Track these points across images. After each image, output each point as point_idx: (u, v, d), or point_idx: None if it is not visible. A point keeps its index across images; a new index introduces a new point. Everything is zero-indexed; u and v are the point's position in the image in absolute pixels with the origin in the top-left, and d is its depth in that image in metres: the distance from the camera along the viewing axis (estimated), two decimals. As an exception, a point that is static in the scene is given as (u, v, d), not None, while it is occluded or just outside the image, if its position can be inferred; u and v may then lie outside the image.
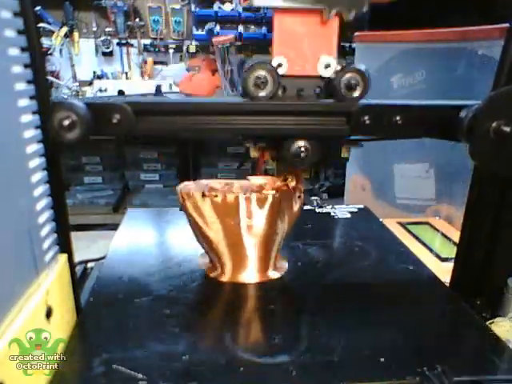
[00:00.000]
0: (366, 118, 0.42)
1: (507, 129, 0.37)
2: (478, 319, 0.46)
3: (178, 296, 0.48)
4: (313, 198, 0.79)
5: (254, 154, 0.48)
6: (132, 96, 1.99)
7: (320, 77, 0.44)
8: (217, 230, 0.50)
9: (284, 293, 0.52)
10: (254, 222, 0.50)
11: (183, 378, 0.35)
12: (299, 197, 0.53)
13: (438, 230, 0.91)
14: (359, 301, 0.49)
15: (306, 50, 0.43)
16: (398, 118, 0.43)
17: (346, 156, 0.50)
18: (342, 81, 0.42)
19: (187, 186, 0.52)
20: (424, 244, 0.84)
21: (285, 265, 0.56)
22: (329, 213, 0.75)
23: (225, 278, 0.52)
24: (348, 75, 0.42)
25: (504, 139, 0.38)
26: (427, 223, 0.96)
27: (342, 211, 0.75)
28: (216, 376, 0.36)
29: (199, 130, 0.44)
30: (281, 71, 0.43)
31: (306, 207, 0.75)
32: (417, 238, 0.87)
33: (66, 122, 0.37)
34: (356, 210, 0.77)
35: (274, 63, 0.43)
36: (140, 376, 0.35)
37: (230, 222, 0.50)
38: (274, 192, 0.49)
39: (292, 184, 0.51)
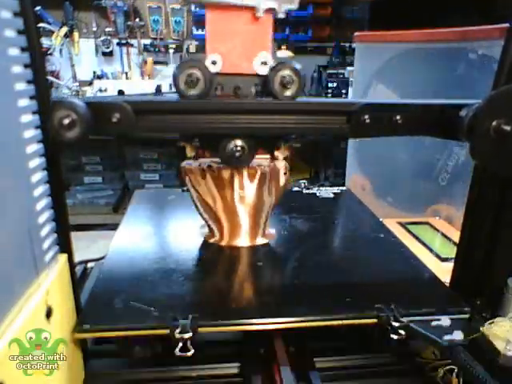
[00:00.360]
0: (366, 117, 0.42)
1: (507, 128, 0.37)
2: (431, 273, 0.54)
3: (182, 256, 0.57)
4: (301, 181, 0.87)
5: (190, 153, 0.51)
6: (132, 96, 1.99)
7: (257, 74, 0.43)
8: (215, 199, 0.58)
9: (270, 253, 0.60)
10: (246, 193, 0.57)
11: (186, 312, 0.43)
12: (285, 173, 0.59)
13: (437, 230, 0.91)
14: (334, 259, 0.59)
15: (240, 47, 0.43)
16: (398, 117, 0.43)
17: (286, 154, 0.50)
18: (275, 79, 0.42)
19: (189, 163, 0.57)
20: (424, 244, 0.84)
21: (273, 233, 0.64)
22: (314, 193, 0.83)
23: (223, 243, 0.61)
24: (281, 73, 0.42)
25: (504, 138, 0.38)
26: (427, 223, 0.96)
27: (326, 192, 0.84)
28: (213, 310, 0.45)
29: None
30: (215, 69, 0.42)
31: (294, 189, 0.85)
32: (417, 238, 0.87)
33: (66, 121, 0.37)
34: (339, 191, 0.85)
35: (208, 61, 0.42)
36: (152, 309, 0.44)
37: (226, 193, 0.57)
38: (261, 169, 0.56)
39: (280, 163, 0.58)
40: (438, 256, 0.79)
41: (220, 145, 0.46)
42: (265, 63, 0.43)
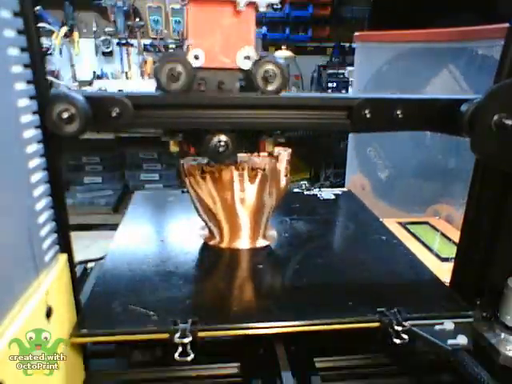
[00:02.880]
0: (367, 111, 0.42)
1: (509, 122, 0.37)
2: (431, 273, 0.54)
3: (182, 258, 0.57)
4: (302, 182, 0.86)
5: (173, 148, 0.50)
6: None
7: (240, 69, 0.43)
8: (215, 201, 0.57)
9: (271, 256, 0.60)
10: (246, 195, 0.57)
11: (186, 315, 0.42)
12: (286, 175, 0.59)
13: (437, 230, 0.91)
14: (335, 262, 0.58)
15: (222, 41, 0.42)
16: (398, 111, 0.42)
17: (270, 150, 0.50)
18: (258, 73, 0.42)
19: (189, 163, 0.57)
20: (424, 244, 0.84)
21: (274, 235, 0.64)
22: (315, 195, 0.83)
23: (223, 245, 0.60)
24: (264, 67, 0.41)
25: (506, 132, 0.37)
26: (427, 223, 0.96)
27: (327, 193, 0.83)
28: (213, 313, 0.45)
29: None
30: (198, 63, 0.42)
31: (295, 190, 0.84)
32: (417, 237, 0.87)
33: (65, 115, 0.36)
34: (340, 192, 0.84)
35: (190, 55, 0.42)
36: (151, 313, 0.43)
37: (226, 195, 0.57)
38: (262, 171, 0.56)
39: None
40: (438, 256, 0.79)
41: (203, 140, 0.45)
42: (248, 58, 0.42)
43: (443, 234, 0.89)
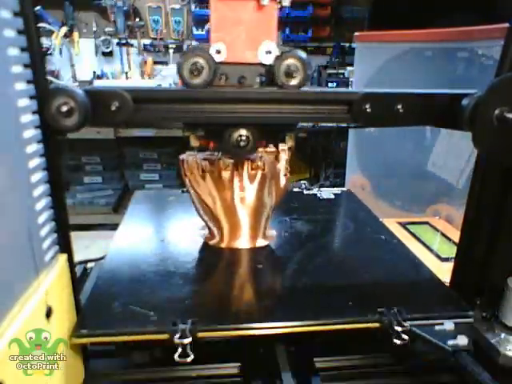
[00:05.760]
0: (367, 106, 0.42)
1: (511, 115, 0.37)
2: (431, 273, 0.54)
3: (182, 258, 0.56)
4: (302, 181, 0.85)
5: (194, 143, 0.50)
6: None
7: (261, 64, 0.43)
8: (215, 201, 0.57)
9: (270, 256, 0.59)
10: (246, 194, 0.57)
11: (186, 316, 0.42)
12: (285, 175, 0.59)
13: (437, 230, 0.91)
14: (335, 261, 0.58)
15: (244, 36, 0.42)
16: (399, 106, 0.42)
17: (290, 144, 0.50)
18: (280, 68, 0.41)
19: (189, 160, 0.56)
20: (424, 244, 0.84)
21: (273, 234, 0.63)
22: (315, 194, 0.82)
23: (223, 245, 0.60)
24: (287, 62, 0.41)
25: (507, 126, 0.37)
26: (427, 223, 0.96)
27: (326, 193, 0.83)
28: (213, 314, 0.45)
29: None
30: (219, 58, 0.42)
31: (294, 189, 0.83)
32: (417, 237, 0.87)
33: (65, 108, 0.36)
34: (340, 192, 0.84)
35: (212, 50, 0.42)
36: (151, 313, 0.43)
37: (226, 195, 0.57)
38: (262, 170, 0.56)
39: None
40: (438, 256, 0.79)
41: (224, 134, 0.45)
42: (269, 52, 0.42)
43: (443, 234, 0.89)
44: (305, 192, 0.83)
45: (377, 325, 0.43)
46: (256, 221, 0.60)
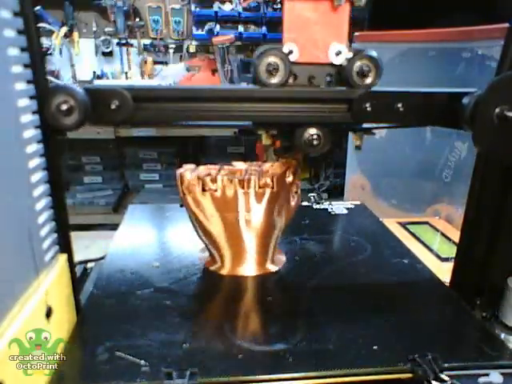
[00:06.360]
0: (367, 104, 0.42)
1: (511, 114, 0.37)
2: (466, 310, 0.47)
3: (179, 288, 0.50)
4: (310, 194, 0.80)
5: (266, 141, 0.48)
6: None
7: (331, 64, 0.43)
8: (217, 223, 0.51)
9: (281, 285, 0.53)
10: (253, 216, 0.51)
11: (184, 364, 0.37)
12: (296, 192, 0.54)
13: (437, 230, 0.91)
14: (354, 292, 0.51)
15: (316, 36, 0.42)
16: (399, 105, 0.42)
17: (358, 144, 0.49)
18: (354, 68, 0.42)
19: (186, 176, 0.51)
20: (424, 244, 0.84)
21: (283, 258, 0.57)
22: (326, 209, 0.77)
23: (224, 271, 0.54)
24: (360, 62, 0.42)
25: (508, 124, 0.37)
26: (427, 223, 0.96)
27: (338, 207, 0.77)
28: (215, 363, 0.38)
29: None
30: (291, 58, 0.42)
31: (303, 203, 0.76)
32: (417, 237, 0.87)
33: (64, 107, 0.36)
34: (352, 206, 0.79)
35: (285, 50, 0.42)
36: (142, 362, 0.37)
37: (229, 216, 0.51)
38: (271, 188, 0.51)
39: (289, 178, 0.52)
40: (438, 256, 0.79)
41: (295, 133, 0.44)
42: (339, 53, 0.43)
43: (443, 234, 0.89)
44: (314, 206, 0.78)
45: (409, 375, 0.37)
46: (264, 245, 0.54)
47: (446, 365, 0.37)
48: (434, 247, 0.82)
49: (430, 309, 0.49)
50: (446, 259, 0.76)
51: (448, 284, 0.53)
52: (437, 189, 1.08)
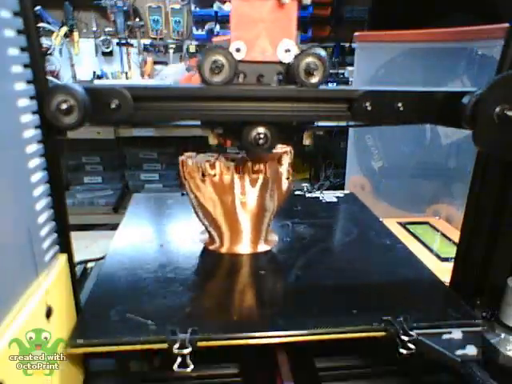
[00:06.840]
0: (368, 104, 0.42)
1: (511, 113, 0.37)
2: (437, 278, 0.53)
3: (181, 264, 0.55)
4: (303, 184, 0.85)
5: (213, 140, 0.50)
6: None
7: (280, 62, 0.43)
8: (216, 205, 0.57)
9: (273, 261, 0.58)
10: (248, 198, 0.56)
11: (186, 324, 0.41)
12: (288, 178, 0.58)
13: (437, 230, 0.91)
14: (338, 267, 0.56)
15: (264, 34, 0.42)
16: (399, 104, 0.42)
17: (308, 143, 0.50)
18: (300, 66, 0.42)
19: (188, 163, 0.56)
20: (424, 244, 0.84)
21: (275, 239, 0.63)
22: (317, 197, 0.81)
23: (223, 250, 0.59)
24: (306, 60, 0.41)
25: (508, 123, 0.37)
26: (427, 223, 0.96)
27: (329, 196, 0.81)
28: (213, 323, 0.43)
29: (200, 115, 0.43)
30: (239, 56, 0.42)
31: (296, 192, 0.82)
32: (417, 237, 0.87)
33: (64, 106, 0.36)
34: (342, 195, 0.82)
35: (232, 48, 0.42)
36: (150, 322, 0.42)
37: (226, 199, 0.56)
38: (264, 174, 0.55)
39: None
40: (438, 256, 0.79)
41: (242, 132, 0.45)
42: (288, 51, 0.42)
43: (443, 234, 0.89)
44: (307, 195, 0.82)
45: (382, 334, 0.42)
46: (257, 225, 0.59)
47: (415, 324, 0.42)
48: (433, 247, 0.82)
49: (406, 280, 0.54)
50: (446, 259, 0.76)
51: (448, 284, 0.54)
52: (437, 189, 1.08)
